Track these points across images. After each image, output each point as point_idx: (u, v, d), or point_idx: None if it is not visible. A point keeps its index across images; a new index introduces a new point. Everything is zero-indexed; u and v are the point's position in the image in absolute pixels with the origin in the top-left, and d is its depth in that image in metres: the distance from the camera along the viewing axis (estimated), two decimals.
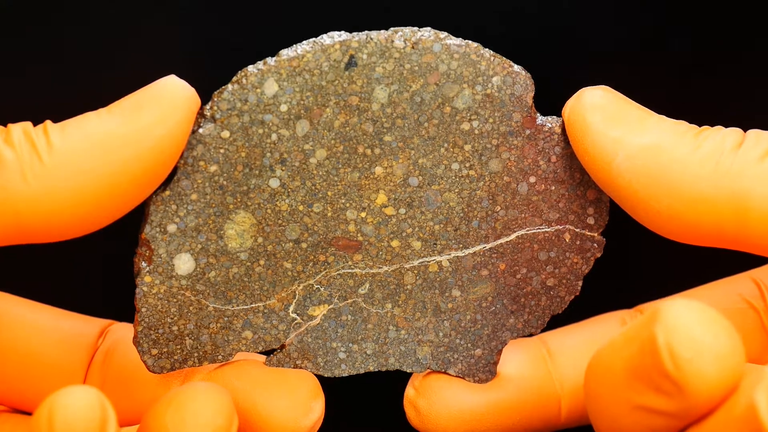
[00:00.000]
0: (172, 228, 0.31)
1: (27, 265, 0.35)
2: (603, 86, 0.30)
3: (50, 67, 0.39)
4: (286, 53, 0.30)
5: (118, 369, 0.33)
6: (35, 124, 0.28)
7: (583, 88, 0.30)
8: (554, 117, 0.31)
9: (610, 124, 0.29)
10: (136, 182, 0.29)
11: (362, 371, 0.32)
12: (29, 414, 0.33)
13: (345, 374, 0.32)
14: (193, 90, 0.29)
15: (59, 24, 0.39)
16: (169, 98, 0.29)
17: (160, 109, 0.28)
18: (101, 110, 0.29)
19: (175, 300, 0.31)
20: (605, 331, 0.34)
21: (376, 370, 0.32)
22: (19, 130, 0.28)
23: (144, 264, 0.31)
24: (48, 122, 0.28)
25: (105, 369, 0.33)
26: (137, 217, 0.31)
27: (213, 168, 0.30)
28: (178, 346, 0.31)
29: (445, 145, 0.31)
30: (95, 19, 0.39)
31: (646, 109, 0.30)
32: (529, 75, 0.30)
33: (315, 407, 0.31)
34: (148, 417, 0.28)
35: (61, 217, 0.28)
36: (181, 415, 0.27)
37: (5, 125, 0.29)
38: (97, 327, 0.34)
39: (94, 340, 0.34)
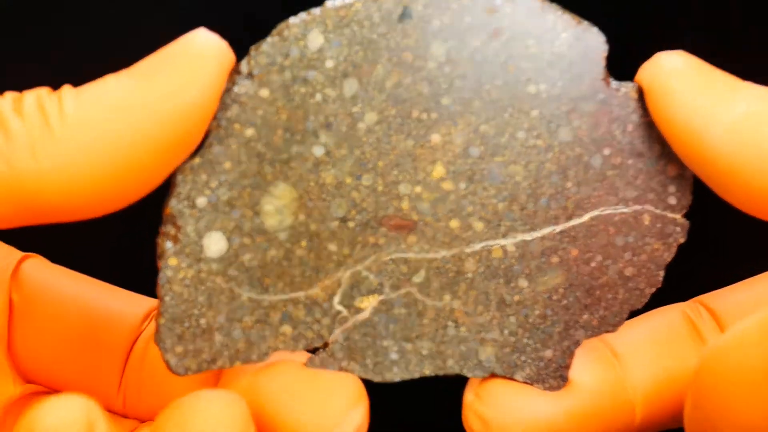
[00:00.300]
0: (201, 201, 0.27)
1: (28, 247, 0.32)
2: (679, 50, 0.27)
3: (50, 67, 0.37)
4: (331, 2, 0.27)
5: (158, 360, 0.29)
6: None
7: (659, 53, 0.27)
8: (628, 82, 0.28)
9: (698, 91, 0.26)
10: (161, 153, 0.25)
11: (417, 375, 0.28)
12: None
13: (397, 379, 0.28)
14: (225, 44, 0.26)
15: (59, 24, 0.38)
16: (196, 55, 0.25)
17: (187, 67, 0.25)
18: (122, 72, 0.26)
19: (203, 287, 0.27)
20: (669, 328, 0.30)
21: (433, 374, 0.28)
22: (33, 97, 0.25)
23: (169, 244, 0.27)
24: (66, 87, 0.25)
25: (144, 358, 0.29)
26: (158, 191, 0.27)
27: (249, 132, 0.27)
28: (207, 343, 0.27)
29: (510, 110, 0.27)
30: (95, 19, 0.38)
31: (731, 75, 0.27)
32: (601, 32, 0.27)
33: (353, 416, 0.27)
34: (153, 427, 0.25)
35: (76, 195, 0.25)
36: (183, 429, 0.24)
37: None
38: (144, 308, 0.31)
39: (139, 323, 0.30)
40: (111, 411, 0.31)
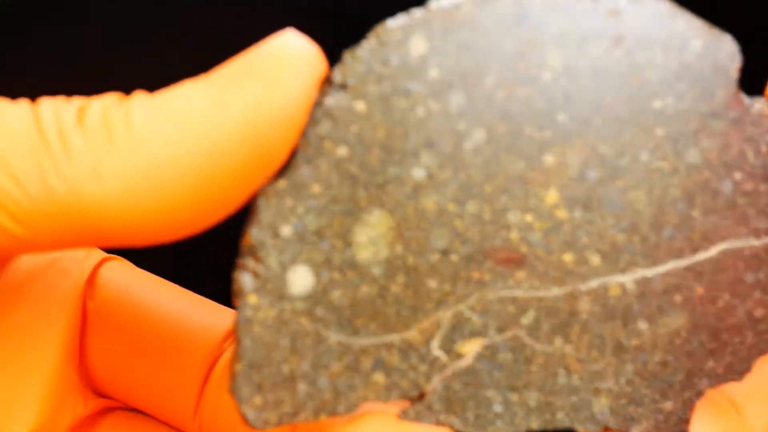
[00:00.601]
0: (286, 231, 0.23)
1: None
2: None
3: (50, 67, 0.37)
4: (437, 3, 0.23)
5: None
6: None
7: None
8: (760, 97, 0.25)
9: None
10: (240, 174, 0.22)
11: (523, 430, 0.25)
12: (142, 413, 0.28)
13: None
14: (315, 50, 0.23)
15: (59, 24, 0.38)
16: (284, 61, 0.22)
17: (272, 75, 0.22)
18: (199, 79, 0.23)
19: (287, 329, 0.24)
20: None
21: (541, 429, 0.25)
22: (98, 108, 0.22)
23: (248, 279, 0.23)
24: (137, 95, 0.22)
25: (224, 381, 0.26)
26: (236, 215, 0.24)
27: (342, 151, 0.23)
28: (289, 393, 0.24)
29: (632, 127, 0.24)
30: (95, 19, 0.38)
31: None
32: (734, 41, 0.24)
33: None
34: None
35: (143, 220, 0.22)
36: None
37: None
38: (228, 323, 0.28)
39: (221, 340, 0.27)
40: None
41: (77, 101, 0.22)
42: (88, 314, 0.28)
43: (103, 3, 0.38)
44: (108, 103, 0.22)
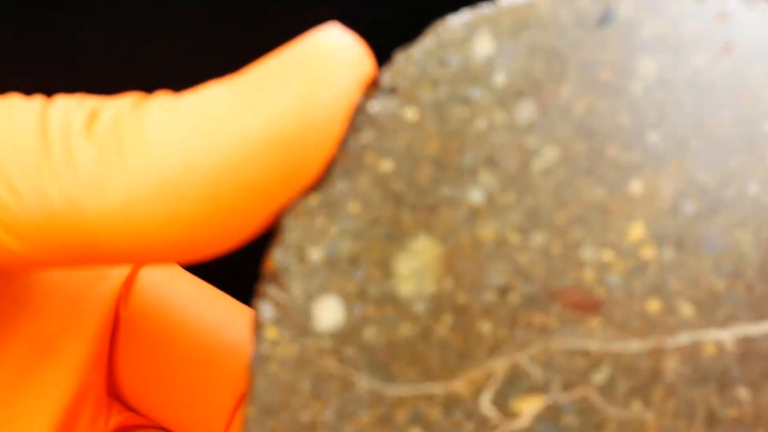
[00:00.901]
0: (315, 254, 0.20)
1: None
2: None
3: (50, 67, 0.37)
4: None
5: None
6: None
7: None
8: None
9: None
10: (264, 189, 0.20)
11: None
12: None
13: None
14: (362, 48, 0.20)
15: (59, 24, 0.38)
16: (324, 61, 0.19)
17: (311, 76, 0.19)
18: (227, 80, 0.20)
19: (309, 370, 0.20)
20: None
21: None
22: (111, 112, 0.20)
23: (268, 308, 0.20)
24: (156, 98, 0.20)
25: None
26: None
27: (387, 165, 0.20)
28: None
29: (739, 154, 0.20)
30: (95, 19, 0.38)
31: None
32: None
33: None
34: None
35: (150, 240, 0.20)
36: None
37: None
38: None
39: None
40: None
41: (91, 102, 0.20)
42: (121, 321, 0.26)
43: (103, 3, 0.38)
44: (122, 106, 0.20)
